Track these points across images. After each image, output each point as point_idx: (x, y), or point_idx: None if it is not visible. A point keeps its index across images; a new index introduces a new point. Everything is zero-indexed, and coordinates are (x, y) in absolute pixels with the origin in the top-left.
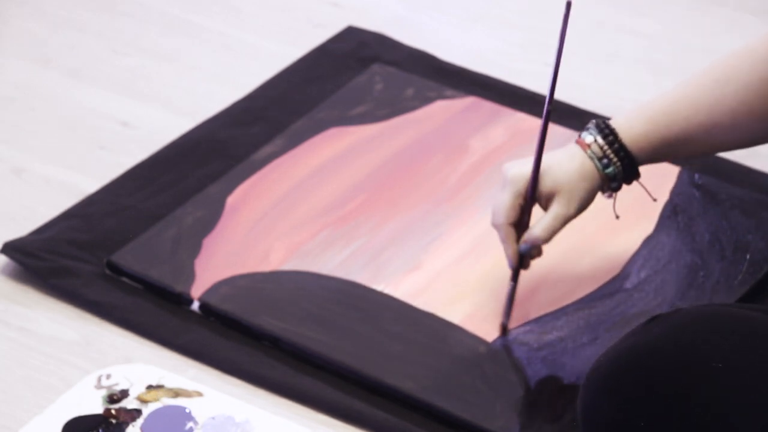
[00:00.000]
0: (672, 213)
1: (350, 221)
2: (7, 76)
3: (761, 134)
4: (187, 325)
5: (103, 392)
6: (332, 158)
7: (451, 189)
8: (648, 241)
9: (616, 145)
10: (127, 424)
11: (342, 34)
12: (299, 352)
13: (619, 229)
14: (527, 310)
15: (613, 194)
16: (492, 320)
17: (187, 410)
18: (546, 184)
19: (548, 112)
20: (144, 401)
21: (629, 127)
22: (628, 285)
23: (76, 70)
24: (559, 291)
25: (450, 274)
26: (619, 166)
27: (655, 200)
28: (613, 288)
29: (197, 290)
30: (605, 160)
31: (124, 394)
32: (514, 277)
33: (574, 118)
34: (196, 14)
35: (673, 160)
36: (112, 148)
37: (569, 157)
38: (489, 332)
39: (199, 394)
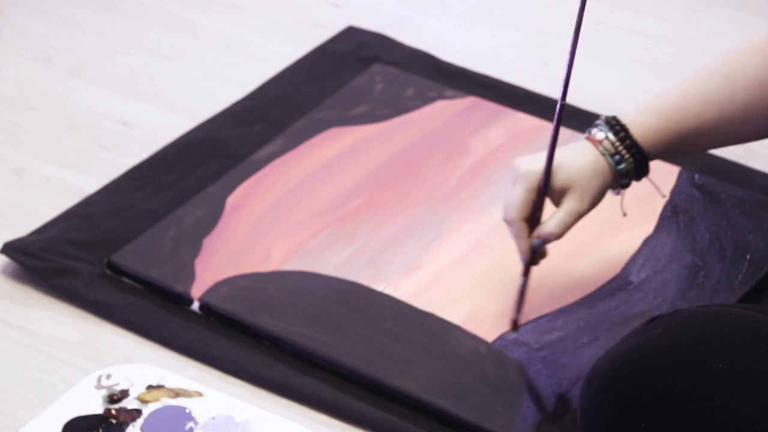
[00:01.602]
0: (672, 213)
1: (350, 221)
2: (7, 75)
3: None
4: (187, 325)
5: (103, 392)
6: (332, 158)
7: (452, 189)
8: (648, 242)
9: (627, 142)
10: (127, 424)
11: (342, 34)
12: (299, 352)
13: (619, 229)
14: (527, 310)
15: (622, 191)
16: (492, 320)
17: (188, 410)
18: (559, 179)
19: (562, 107)
20: (144, 401)
21: (640, 122)
22: (628, 285)
23: (76, 69)
24: (559, 291)
25: (450, 274)
26: (631, 162)
27: (664, 196)
28: (613, 288)
29: (197, 290)
30: (617, 157)
31: (124, 394)
32: (526, 273)
33: (575, 118)
34: (196, 14)
35: (683, 155)
36: (112, 148)
37: (581, 153)
38: (489, 332)
39: (199, 394)
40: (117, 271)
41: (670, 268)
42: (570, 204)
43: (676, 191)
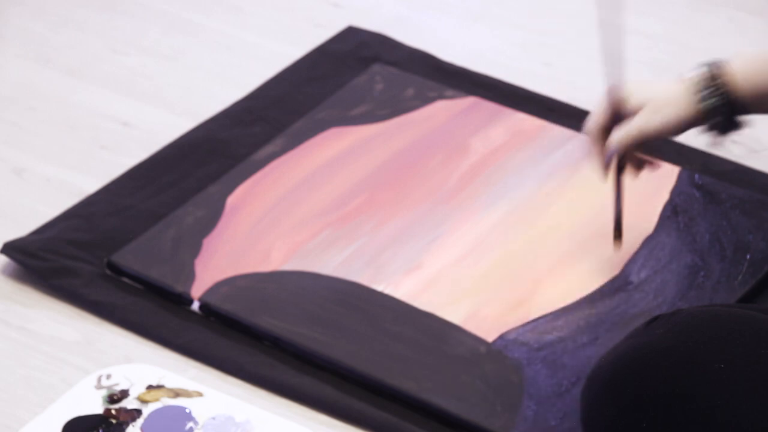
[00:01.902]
0: (672, 213)
1: (350, 221)
2: (7, 75)
3: None
4: (187, 325)
5: (103, 392)
6: (332, 158)
7: (452, 189)
8: (648, 241)
9: (719, 80)
10: (127, 424)
11: (342, 34)
12: (299, 352)
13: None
14: (527, 310)
15: (727, 131)
16: (492, 320)
17: (188, 410)
18: (637, 98)
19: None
20: (144, 401)
21: (744, 61)
22: (628, 285)
23: (76, 69)
24: (559, 291)
25: (450, 274)
26: (720, 98)
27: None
28: (613, 288)
29: (197, 290)
30: (705, 92)
31: (124, 394)
32: (617, 187)
33: (574, 118)
34: (196, 14)
35: None
36: (112, 148)
37: (668, 84)
38: (489, 332)
39: (199, 394)
40: (117, 271)
41: (670, 268)
42: (636, 119)
43: (675, 191)
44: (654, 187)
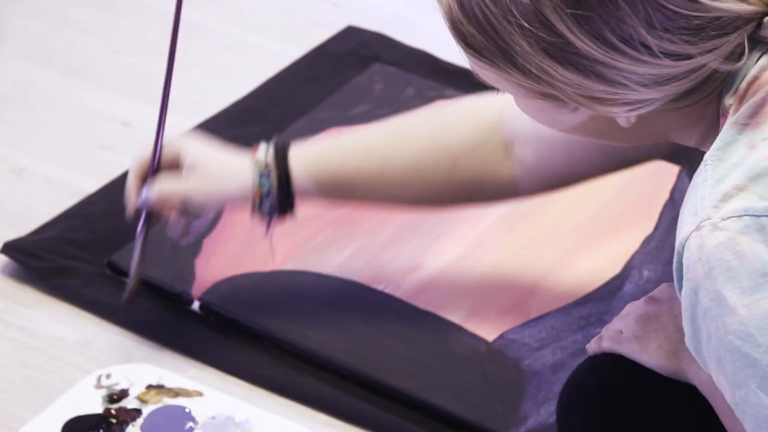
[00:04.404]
0: (672, 212)
1: (350, 221)
2: (7, 75)
3: (433, 200)
4: (187, 325)
5: (103, 392)
6: None
7: None
8: (648, 241)
9: (281, 162)
10: (127, 423)
11: (342, 33)
12: (299, 352)
13: (619, 228)
14: (527, 310)
15: (270, 226)
16: (492, 320)
17: (187, 410)
18: (197, 152)
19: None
20: (144, 401)
21: (304, 151)
22: (628, 284)
23: (76, 69)
24: (559, 291)
25: (450, 274)
26: (275, 182)
27: None
28: (613, 287)
29: (197, 290)
30: (265, 174)
31: (124, 393)
32: (139, 236)
33: None
34: (196, 14)
35: (342, 199)
36: (112, 147)
37: (237, 155)
38: (489, 332)
39: (199, 394)
40: (117, 271)
41: (670, 268)
42: (187, 182)
43: (676, 190)
44: (654, 187)
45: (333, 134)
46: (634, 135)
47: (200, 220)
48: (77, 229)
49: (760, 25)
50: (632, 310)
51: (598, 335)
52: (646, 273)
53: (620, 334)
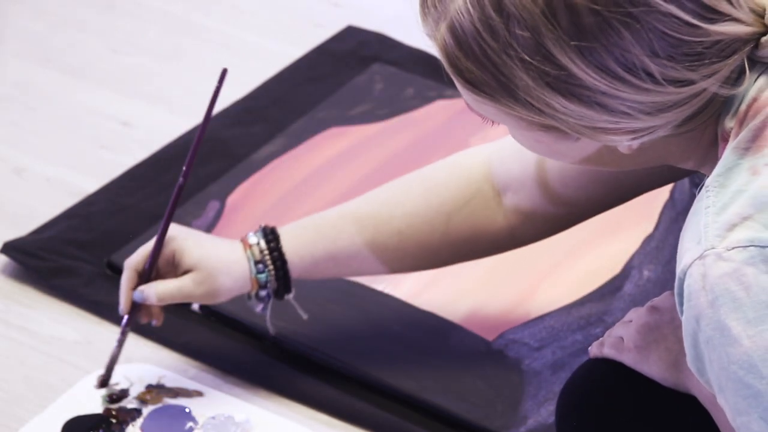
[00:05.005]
0: (672, 212)
1: None
2: (7, 75)
3: (432, 262)
4: (187, 325)
5: (103, 392)
6: (332, 158)
7: None
8: (648, 241)
9: (275, 253)
10: (127, 423)
11: (342, 33)
12: (299, 352)
13: (619, 228)
14: (527, 310)
15: (266, 305)
16: (492, 320)
17: (187, 410)
18: (193, 255)
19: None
20: (144, 401)
21: (295, 235)
22: (628, 284)
23: (76, 69)
24: (559, 291)
25: (450, 274)
26: (272, 272)
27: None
28: (613, 287)
29: None
30: (261, 265)
31: (124, 393)
32: (124, 330)
33: None
34: (196, 14)
35: (338, 275)
36: (112, 147)
37: (230, 248)
38: (489, 332)
39: (199, 394)
40: (117, 271)
41: (670, 268)
42: (186, 282)
43: (676, 191)
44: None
45: (319, 214)
46: (632, 161)
47: (200, 220)
48: (77, 229)
49: (757, 45)
50: (635, 317)
51: (601, 339)
52: (646, 273)
53: (622, 342)
